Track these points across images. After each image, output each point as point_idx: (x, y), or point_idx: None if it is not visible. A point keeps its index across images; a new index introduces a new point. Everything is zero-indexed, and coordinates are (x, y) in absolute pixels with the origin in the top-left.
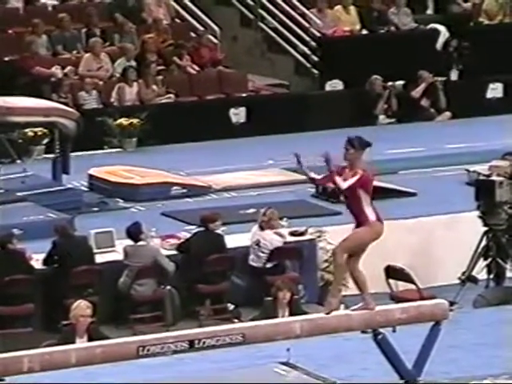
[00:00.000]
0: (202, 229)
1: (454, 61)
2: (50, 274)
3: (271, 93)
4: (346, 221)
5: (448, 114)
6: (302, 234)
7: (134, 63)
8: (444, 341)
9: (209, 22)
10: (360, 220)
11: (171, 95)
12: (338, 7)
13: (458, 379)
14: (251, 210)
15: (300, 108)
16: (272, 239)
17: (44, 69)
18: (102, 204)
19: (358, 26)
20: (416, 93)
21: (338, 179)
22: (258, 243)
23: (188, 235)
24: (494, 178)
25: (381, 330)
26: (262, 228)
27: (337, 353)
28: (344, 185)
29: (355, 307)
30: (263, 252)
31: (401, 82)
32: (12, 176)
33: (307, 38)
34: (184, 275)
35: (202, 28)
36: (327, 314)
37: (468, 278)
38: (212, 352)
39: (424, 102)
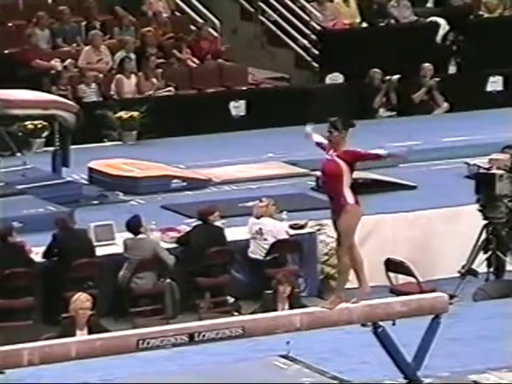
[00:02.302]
0: (201, 222)
1: (454, 54)
2: (49, 267)
3: (271, 86)
4: None
5: (446, 105)
6: (301, 227)
7: (133, 55)
8: (444, 334)
9: (209, 14)
10: (339, 203)
11: (171, 88)
12: (338, 0)
13: (457, 373)
14: (251, 203)
15: (300, 101)
16: (274, 225)
17: (44, 62)
18: (102, 197)
19: (358, 19)
20: (417, 97)
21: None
22: (259, 231)
23: (188, 228)
24: (494, 171)
25: (381, 323)
26: (259, 217)
27: (336, 346)
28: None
29: (354, 300)
30: (266, 239)
31: (397, 76)
32: (12, 169)
33: (307, 31)
34: (184, 268)
35: (202, 21)
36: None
37: (468, 271)
38: (212, 345)
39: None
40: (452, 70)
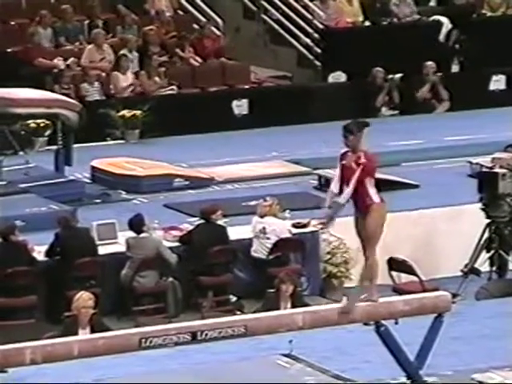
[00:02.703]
0: (204, 221)
1: (457, 53)
2: (52, 266)
3: (274, 84)
4: (348, 213)
5: (447, 103)
6: (304, 225)
7: (135, 54)
8: (446, 333)
9: (211, 13)
10: (365, 203)
11: (174, 87)
12: None
13: (460, 371)
14: (254, 202)
15: (303, 100)
16: (278, 224)
17: (46, 60)
18: (105, 196)
19: (360, 18)
20: (421, 93)
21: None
22: (263, 230)
23: (190, 227)
24: (497, 170)
25: (383, 322)
26: (262, 216)
27: (339, 345)
28: (346, 195)
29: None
30: (269, 238)
31: (399, 75)
32: (14, 167)
33: (310, 30)
34: (186, 267)
35: (204, 20)
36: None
37: (470, 270)
38: (214, 344)
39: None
40: (455, 68)
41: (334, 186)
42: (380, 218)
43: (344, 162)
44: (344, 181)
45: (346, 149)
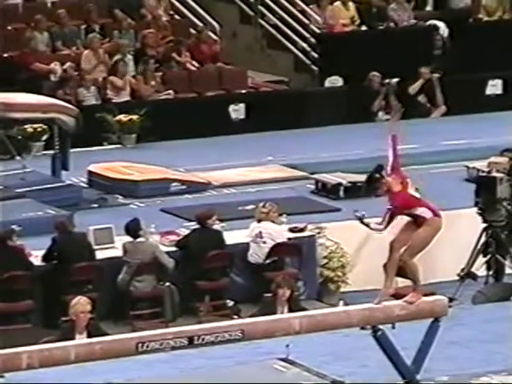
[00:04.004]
0: (200, 226)
1: (453, 57)
2: (49, 271)
3: (271, 89)
4: (345, 217)
5: (443, 108)
6: (301, 230)
7: (130, 57)
8: (443, 337)
9: (208, 18)
10: (417, 219)
11: (170, 91)
12: (338, 3)
13: (457, 376)
14: (250, 207)
15: (299, 104)
16: (274, 229)
17: (43, 65)
18: (102, 200)
19: (357, 23)
20: (412, 89)
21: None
22: (259, 235)
23: (187, 232)
24: (495, 174)
25: (380, 327)
26: (260, 221)
27: (336, 349)
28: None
29: (377, 301)
30: (265, 242)
31: (395, 79)
32: (11, 172)
33: (307, 35)
34: (183, 272)
35: (201, 24)
36: (377, 303)
37: (467, 275)
38: (211, 348)
39: (421, 98)
40: (452, 72)
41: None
42: (431, 232)
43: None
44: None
45: None
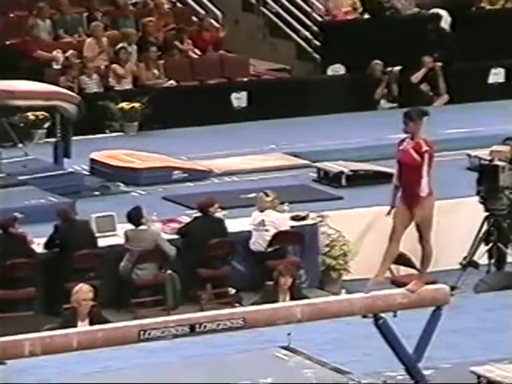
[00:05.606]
0: (201, 214)
1: (456, 46)
2: (51, 258)
3: (273, 77)
4: (347, 206)
5: (446, 96)
6: (303, 218)
7: (134, 46)
8: (445, 326)
9: (210, 6)
10: (413, 192)
11: (172, 79)
12: None
13: (458, 364)
14: (252, 195)
15: (302, 92)
16: (277, 217)
17: (45, 52)
18: (104, 188)
19: (359, 11)
20: (415, 78)
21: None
22: (261, 223)
23: (189, 219)
24: (497, 162)
25: (382, 315)
26: (262, 210)
27: (337, 337)
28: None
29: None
30: (267, 230)
31: (398, 68)
32: (13, 160)
33: (309, 23)
34: (185, 259)
35: (203, 12)
36: (366, 292)
37: (469, 263)
38: (213, 336)
39: (424, 87)
40: (455, 61)
41: (396, 180)
42: (426, 211)
43: (402, 147)
44: (401, 166)
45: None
